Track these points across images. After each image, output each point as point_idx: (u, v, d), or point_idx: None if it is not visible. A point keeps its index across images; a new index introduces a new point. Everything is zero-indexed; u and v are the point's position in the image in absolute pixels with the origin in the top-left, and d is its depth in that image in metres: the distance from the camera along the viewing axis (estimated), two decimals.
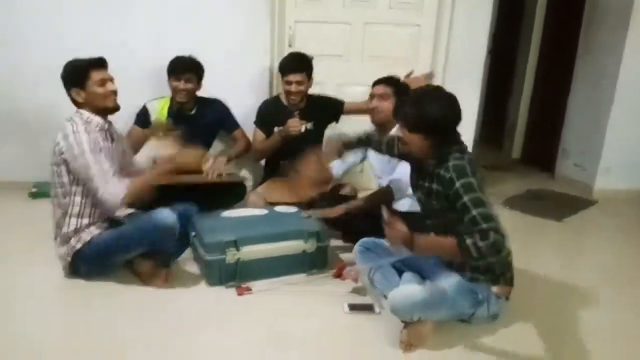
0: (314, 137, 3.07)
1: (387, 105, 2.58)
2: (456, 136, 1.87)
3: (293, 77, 2.91)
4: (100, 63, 2.15)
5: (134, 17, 3.28)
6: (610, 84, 3.81)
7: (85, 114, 2.15)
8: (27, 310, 2.00)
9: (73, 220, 2.15)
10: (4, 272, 2.29)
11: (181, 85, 2.87)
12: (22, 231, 2.71)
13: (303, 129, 2.94)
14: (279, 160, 3.06)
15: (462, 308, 1.86)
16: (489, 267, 1.86)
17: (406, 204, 2.66)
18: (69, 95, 2.17)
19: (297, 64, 2.93)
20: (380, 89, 2.62)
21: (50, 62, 3.21)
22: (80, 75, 2.12)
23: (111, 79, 2.18)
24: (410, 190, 2.55)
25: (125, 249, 2.16)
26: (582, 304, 2.25)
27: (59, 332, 1.89)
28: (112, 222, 2.27)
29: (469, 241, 1.63)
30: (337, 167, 2.83)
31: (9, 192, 3.25)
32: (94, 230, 2.17)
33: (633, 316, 2.16)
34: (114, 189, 2.06)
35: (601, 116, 3.90)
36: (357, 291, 2.20)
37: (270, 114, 3.07)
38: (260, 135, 3.08)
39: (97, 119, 2.16)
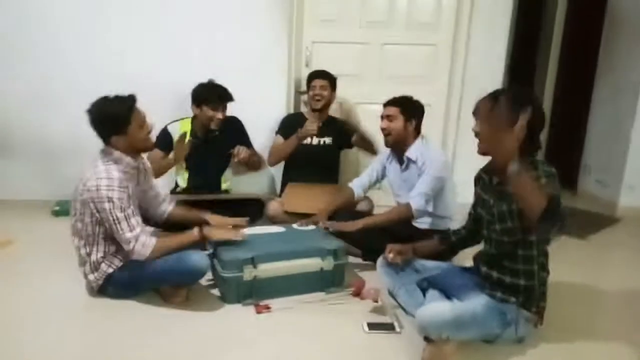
0: (331, 153, 3.18)
1: (394, 126, 2.61)
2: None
3: (318, 82, 3.15)
4: (135, 103, 2.07)
5: (150, 38, 3.37)
6: (631, 99, 3.76)
7: (116, 153, 2.08)
8: (50, 327, 2.02)
9: (100, 247, 2.16)
10: (28, 289, 2.32)
11: (219, 115, 2.88)
12: (46, 249, 2.76)
13: (323, 142, 3.14)
14: (296, 172, 3.17)
15: (491, 328, 1.83)
16: (525, 288, 1.85)
17: (426, 222, 2.64)
18: (106, 141, 2.08)
19: (323, 72, 3.19)
20: (388, 110, 2.64)
21: (75, 83, 3.37)
22: (122, 122, 2.03)
23: (144, 117, 2.11)
24: (430, 208, 2.55)
25: (156, 283, 2.19)
26: (608, 325, 2.19)
27: (79, 349, 1.90)
28: None
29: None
30: (357, 186, 2.85)
31: (32, 210, 3.32)
32: (125, 256, 2.17)
33: None
34: (139, 249, 2.06)
35: (623, 132, 3.84)
36: (376, 311, 2.17)
37: (292, 124, 3.18)
38: (280, 140, 3.17)
39: (127, 159, 2.11)
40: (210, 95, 2.87)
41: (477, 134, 1.85)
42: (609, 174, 4.00)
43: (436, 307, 1.81)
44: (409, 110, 2.61)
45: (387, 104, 2.67)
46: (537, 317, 1.91)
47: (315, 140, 3.18)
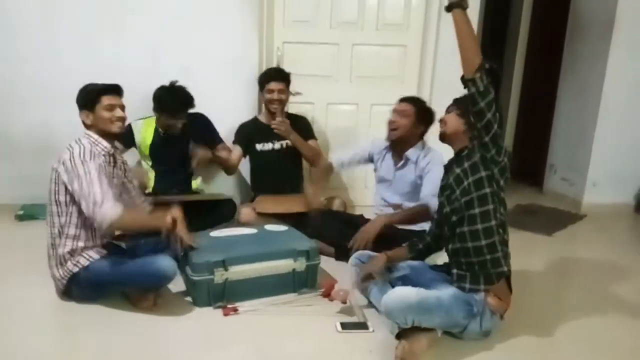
0: (293, 154, 3.17)
1: (404, 123, 2.60)
2: None
3: (275, 86, 3.08)
4: (113, 89, 2.19)
5: (127, 36, 3.32)
6: (595, 98, 3.88)
7: (94, 136, 2.18)
8: (17, 333, 1.96)
9: (69, 242, 2.13)
10: None
11: (178, 124, 2.87)
12: (10, 254, 2.68)
13: (285, 145, 3.11)
14: (264, 178, 3.15)
15: (457, 318, 1.85)
16: (483, 263, 1.88)
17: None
18: (80, 116, 2.19)
19: (277, 74, 3.13)
20: (402, 105, 2.63)
21: (42, 80, 3.28)
22: (91, 98, 2.16)
23: (121, 106, 2.21)
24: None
25: (122, 285, 2.15)
26: (573, 319, 2.24)
27: (47, 355, 1.85)
28: (111, 248, 2.23)
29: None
30: (335, 160, 2.92)
31: None
32: (93, 255, 2.14)
33: (624, 330, 2.16)
34: (106, 210, 2.02)
35: (587, 130, 3.96)
36: (345, 311, 2.16)
37: (249, 132, 3.17)
38: (237, 150, 3.15)
39: (104, 143, 2.18)
40: (168, 106, 2.83)
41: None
42: (574, 172, 4.12)
43: (401, 292, 1.82)
44: (422, 112, 2.61)
45: (404, 100, 2.66)
46: (505, 305, 1.94)
47: (277, 145, 3.15)
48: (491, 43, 4.99)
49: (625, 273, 2.81)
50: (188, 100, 2.85)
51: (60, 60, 3.29)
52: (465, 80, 1.81)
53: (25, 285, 2.32)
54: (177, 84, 2.87)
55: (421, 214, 2.51)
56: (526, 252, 3.04)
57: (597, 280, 2.69)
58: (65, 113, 3.07)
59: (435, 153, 2.61)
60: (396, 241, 2.31)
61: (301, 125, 3.18)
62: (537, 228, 3.47)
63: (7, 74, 3.30)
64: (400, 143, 2.66)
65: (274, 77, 3.10)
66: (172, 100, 2.83)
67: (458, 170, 1.91)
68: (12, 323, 2.05)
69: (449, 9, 1.88)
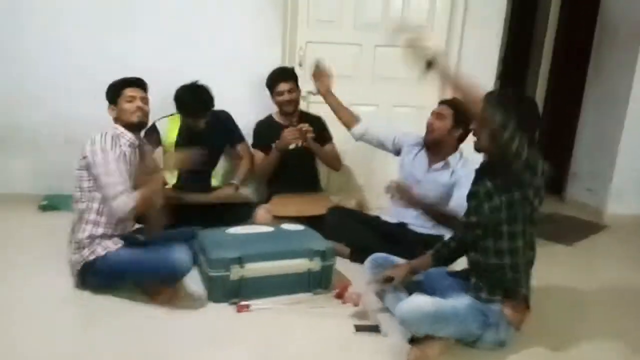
0: (309, 153, 3.13)
1: (441, 125, 2.57)
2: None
3: (284, 87, 3.04)
4: (135, 82, 2.29)
5: (141, 34, 3.33)
6: (621, 107, 3.80)
7: (120, 128, 2.26)
8: (33, 321, 2.00)
9: (88, 227, 2.17)
10: (13, 284, 2.30)
11: (200, 124, 2.88)
12: (32, 244, 2.73)
13: (300, 144, 2.99)
14: (280, 177, 3.09)
15: (470, 327, 1.83)
16: (504, 280, 1.85)
17: (427, 226, 2.60)
18: (108, 111, 2.30)
19: (284, 73, 3.09)
20: (442, 109, 2.60)
21: (57, 76, 3.34)
22: (114, 92, 2.27)
23: (142, 98, 2.29)
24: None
25: (138, 276, 2.19)
26: (592, 331, 2.20)
27: (62, 346, 1.88)
28: (129, 239, 2.25)
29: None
30: (364, 123, 2.84)
31: (19, 204, 3.28)
32: (110, 245, 2.18)
33: None
34: (120, 203, 2.10)
35: (612, 139, 3.88)
36: (358, 315, 2.16)
37: (265, 132, 3.13)
38: (259, 155, 3.12)
39: (129, 135, 2.25)
40: (189, 105, 2.85)
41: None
42: (597, 181, 4.03)
43: (417, 300, 1.81)
44: (461, 117, 2.52)
45: (443, 102, 2.63)
46: (521, 316, 1.90)
47: (292, 145, 3.03)
48: (517, 46, 4.93)
49: None
50: (209, 100, 2.86)
51: (71, 58, 3.32)
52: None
53: (45, 274, 2.36)
54: (199, 83, 2.89)
55: (450, 220, 2.40)
56: (545, 261, 2.96)
57: (616, 293, 2.63)
58: (81, 109, 3.17)
59: (472, 166, 2.57)
60: (410, 242, 2.29)
61: (316, 128, 3.07)
62: (558, 237, 3.41)
63: (20, 71, 3.34)
64: (437, 145, 2.64)
65: (281, 78, 3.06)
66: (192, 99, 2.84)
67: (489, 185, 1.85)
68: (30, 312, 2.09)
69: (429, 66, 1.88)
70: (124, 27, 3.32)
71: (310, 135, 2.95)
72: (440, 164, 2.65)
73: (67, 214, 3.12)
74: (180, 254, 2.12)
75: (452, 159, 2.63)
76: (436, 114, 2.61)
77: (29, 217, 3.18)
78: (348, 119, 2.87)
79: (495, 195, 1.82)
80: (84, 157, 2.15)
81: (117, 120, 2.27)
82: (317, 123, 3.18)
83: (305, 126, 2.95)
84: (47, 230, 2.82)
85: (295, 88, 3.10)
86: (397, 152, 2.85)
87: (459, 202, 2.41)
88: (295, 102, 3.10)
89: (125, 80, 2.28)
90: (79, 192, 2.20)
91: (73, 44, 3.31)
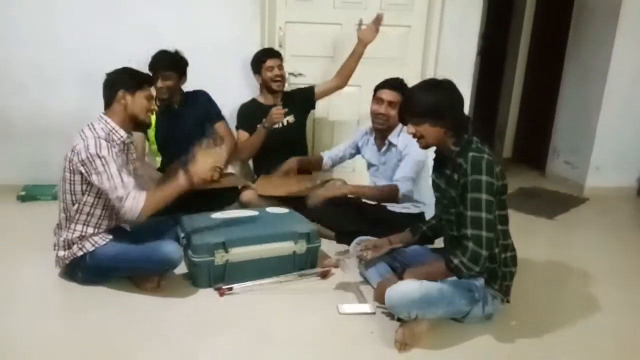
0: (296, 130, 3.16)
1: (394, 113, 2.52)
2: (466, 123, 1.88)
3: (273, 62, 3.05)
4: (153, 81, 2.25)
5: (127, 18, 3.28)
6: (599, 82, 3.83)
7: (111, 123, 2.11)
8: (18, 314, 1.98)
9: (78, 227, 2.11)
10: None
11: (159, 83, 2.78)
12: (11, 234, 2.69)
13: (285, 122, 3.05)
14: (266, 158, 3.07)
15: (459, 306, 1.86)
16: (487, 269, 1.87)
17: (400, 205, 2.65)
18: (112, 95, 2.10)
19: (271, 50, 3.13)
20: (390, 95, 2.56)
21: (42, 63, 3.25)
22: (136, 81, 2.13)
23: (156, 99, 2.23)
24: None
25: (127, 271, 2.16)
26: (575, 302, 2.25)
27: (48, 336, 1.86)
28: (116, 232, 2.22)
29: (455, 261, 1.77)
30: (327, 155, 2.96)
31: None
32: (98, 241, 2.13)
33: (628, 313, 2.16)
34: (130, 204, 1.99)
35: (591, 114, 3.92)
36: (344, 286, 2.21)
37: (250, 114, 3.11)
38: (244, 135, 3.09)
39: (121, 132, 2.12)
40: (152, 63, 2.79)
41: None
42: (577, 155, 4.09)
43: (404, 286, 1.83)
44: None
45: (387, 86, 2.58)
46: (502, 295, 1.94)
47: (278, 123, 3.03)
48: (496, 26, 4.93)
49: (627, 256, 2.81)
50: (173, 59, 2.82)
51: (59, 44, 3.26)
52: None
53: (27, 264, 2.34)
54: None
55: (389, 195, 2.54)
56: (527, 235, 3.04)
57: (598, 263, 2.68)
58: (64, 100, 3.09)
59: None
60: (392, 223, 2.35)
61: (299, 99, 3.16)
62: (539, 211, 3.47)
63: (5, 56, 3.27)
64: (388, 130, 2.64)
65: (270, 54, 3.07)
66: (156, 58, 2.80)
67: (449, 173, 1.87)
68: (14, 302, 2.06)
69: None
70: (110, 12, 3.27)
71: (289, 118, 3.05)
72: (385, 147, 2.68)
73: (46, 203, 3.10)
74: (170, 247, 2.10)
75: (393, 137, 2.63)
76: (388, 102, 2.56)
77: (7, 208, 3.12)
78: (317, 163, 3.02)
79: (458, 185, 1.83)
80: (81, 164, 2.01)
81: (117, 112, 2.09)
82: (298, 92, 3.24)
83: (290, 118, 3.08)
84: (27, 220, 2.78)
85: (282, 66, 3.10)
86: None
87: (401, 173, 2.54)
88: (283, 79, 3.10)
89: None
90: (70, 195, 2.09)
91: (62, 28, 3.25)
